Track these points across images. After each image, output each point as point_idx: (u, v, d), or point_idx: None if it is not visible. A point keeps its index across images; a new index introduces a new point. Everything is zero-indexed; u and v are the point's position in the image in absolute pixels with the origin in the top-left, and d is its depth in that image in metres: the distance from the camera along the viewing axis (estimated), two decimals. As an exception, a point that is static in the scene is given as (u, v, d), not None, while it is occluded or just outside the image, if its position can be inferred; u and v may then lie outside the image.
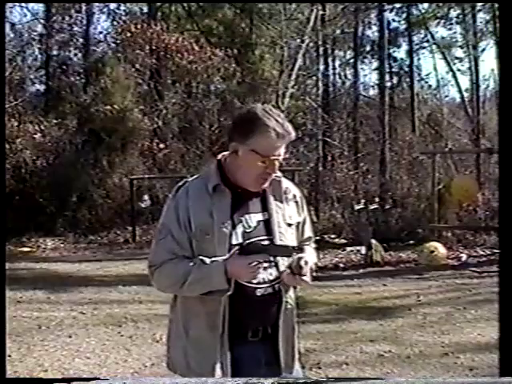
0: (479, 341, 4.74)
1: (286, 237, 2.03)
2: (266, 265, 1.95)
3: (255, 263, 1.89)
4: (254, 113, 1.94)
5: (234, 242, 1.95)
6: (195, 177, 2.08)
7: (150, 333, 5.10)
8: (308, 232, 2.19)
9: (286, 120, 1.97)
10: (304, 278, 1.95)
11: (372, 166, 13.47)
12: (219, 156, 2.06)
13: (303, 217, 2.16)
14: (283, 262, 2.00)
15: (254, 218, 2.00)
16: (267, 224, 2.02)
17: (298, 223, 2.12)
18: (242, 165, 1.96)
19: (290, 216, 2.07)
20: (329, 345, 4.73)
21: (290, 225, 2.06)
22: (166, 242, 1.97)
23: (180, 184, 2.04)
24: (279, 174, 2.07)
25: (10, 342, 4.65)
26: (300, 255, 1.97)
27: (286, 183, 2.11)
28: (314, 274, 2.09)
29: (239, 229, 1.97)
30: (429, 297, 6.36)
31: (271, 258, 1.97)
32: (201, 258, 1.92)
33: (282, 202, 2.06)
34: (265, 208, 2.03)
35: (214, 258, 1.92)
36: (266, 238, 2.00)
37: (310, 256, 2.07)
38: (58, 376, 4.14)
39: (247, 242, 1.95)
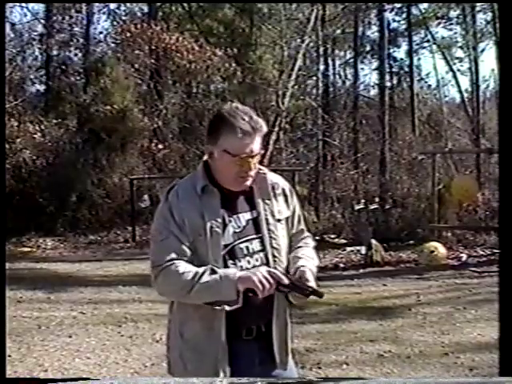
0: (479, 341, 4.74)
1: (276, 233, 2.03)
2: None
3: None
4: (221, 113, 1.96)
5: (225, 242, 1.96)
6: (184, 179, 2.08)
7: (150, 333, 5.10)
8: (299, 225, 2.16)
9: (255, 115, 1.96)
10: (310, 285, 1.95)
11: (372, 166, 13.45)
12: (205, 157, 2.07)
13: (291, 208, 2.12)
14: (274, 259, 2.01)
15: (243, 218, 2.01)
16: (256, 222, 2.02)
17: (288, 218, 2.11)
18: (218, 166, 1.98)
19: (279, 211, 2.06)
20: (329, 345, 4.73)
21: (279, 220, 2.06)
22: (169, 241, 1.95)
23: (170, 187, 2.05)
24: (264, 169, 2.07)
25: (10, 342, 4.65)
26: (301, 269, 1.97)
27: (273, 178, 2.10)
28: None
29: (230, 229, 1.98)
30: (429, 297, 6.36)
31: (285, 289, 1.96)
32: (211, 266, 1.91)
33: (269, 198, 2.05)
34: (253, 206, 2.03)
35: (225, 269, 1.92)
36: (255, 236, 2.00)
37: (309, 263, 2.05)
38: (59, 376, 4.14)
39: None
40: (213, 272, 1.90)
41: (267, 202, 2.04)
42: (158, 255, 1.97)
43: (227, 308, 1.91)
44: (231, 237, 1.98)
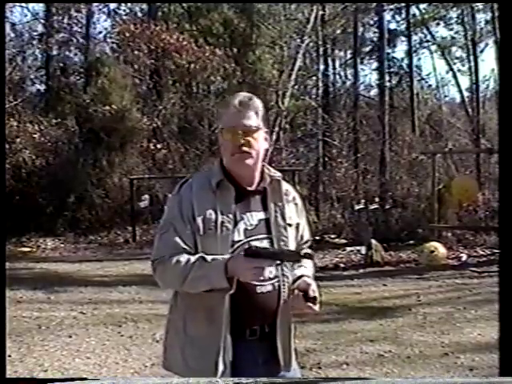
0: (479, 341, 4.74)
1: (286, 236, 2.04)
2: (270, 268, 1.95)
3: (261, 267, 1.87)
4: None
5: (235, 238, 1.97)
6: (199, 173, 2.13)
7: (150, 333, 5.10)
8: (306, 236, 2.20)
9: (255, 98, 2.03)
10: (314, 306, 1.95)
11: (372, 166, 13.47)
12: None
13: (303, 220, 2.17)
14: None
15: (256, 217, 2.02)
16: (267, 223, 2.03)
17: (298, 224, 2.13)
18: (221, 147, 2.04)
19: (289, 216, 2.09)
20: (329, 345, 4.73)
21: (289, 225, 2.08)
22: (168, 236, 1.97)
23: (183, 180, 2.06)
24: (279, 174, 2.09)
25: (10, 342, 4.65)
26: (311, 282, 1.99)
27: (286, 185, 2.14)
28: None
29: (241, 226, 1.99)
30: (429, 297, 6.36)
31: (277, 262, 1.96)
32: (202, 255, 1.92)
33: (281, 201, 2.08)
34: (265, 207, 2.05)
35: (215, 256, 1.91)
36: (265, 236, 2.01)
37: (310, 272, 2.09)
38: (58, 376, 4.14)
39: (255, 246, 1.92)
40: (203, 261, 1.91)
41: (279, 204, 2.07)
42: (157, 250, 2.01)
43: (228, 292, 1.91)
44: (242, 234, 1.98)
